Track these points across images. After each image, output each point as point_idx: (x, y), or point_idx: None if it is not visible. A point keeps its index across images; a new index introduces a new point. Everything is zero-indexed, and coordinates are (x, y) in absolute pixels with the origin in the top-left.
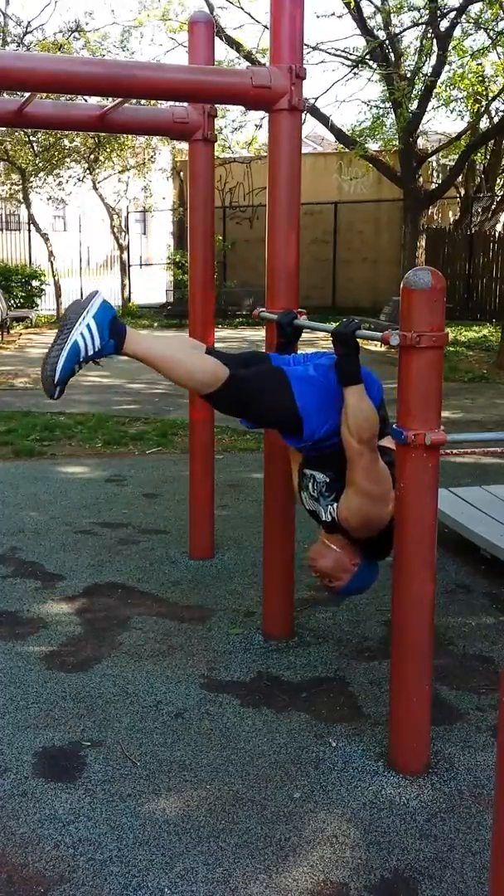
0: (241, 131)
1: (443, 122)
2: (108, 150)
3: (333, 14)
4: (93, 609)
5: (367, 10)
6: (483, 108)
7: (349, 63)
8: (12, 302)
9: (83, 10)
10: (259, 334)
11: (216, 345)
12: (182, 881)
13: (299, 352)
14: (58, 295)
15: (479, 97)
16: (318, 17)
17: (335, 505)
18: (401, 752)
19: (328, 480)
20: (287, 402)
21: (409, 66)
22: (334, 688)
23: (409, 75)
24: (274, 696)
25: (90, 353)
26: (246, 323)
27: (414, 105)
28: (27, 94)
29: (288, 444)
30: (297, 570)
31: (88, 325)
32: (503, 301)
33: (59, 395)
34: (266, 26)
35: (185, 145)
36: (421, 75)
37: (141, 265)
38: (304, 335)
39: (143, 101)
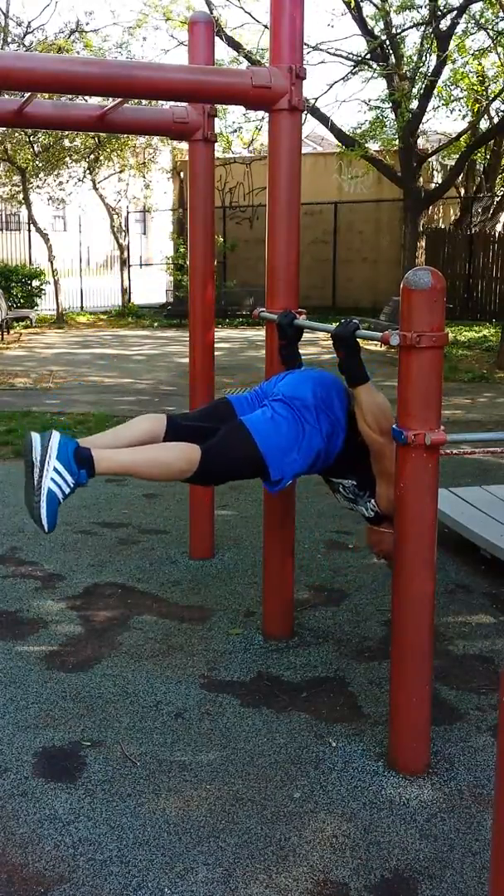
0: (241, 132)
1: (443, 123)
2: (108, 150)
3: (332, 21)
4: (93, 609)
5: (368, 9)
6: (483, 108)
7: (349, 63)
8: (12, 302)
9: (83, 11)
10: (259, 334)
11: (216, 344)
12: (182, 881)
13: (263, 383)
14: (57, 295)
15: (479, 97)
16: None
17: (373, 501)
18: (401, 752)
19: (355, 483)
20: (253, 453)
21: (410, 65)
22: (334, 688)
23: (409, 75)
24: (274, 696)
25: (67, 491)
26: (246, 323)
27: (414, 105)
28: (27, 94)
29: (268, 491)
30: (296, 570)
31: (56, 469)
32: (503, 301)
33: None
34: (266, 26)
35: (185, 145)
36: (421, 75)
37: (141, 265)
38: (304, 334)
39: (143, 101)
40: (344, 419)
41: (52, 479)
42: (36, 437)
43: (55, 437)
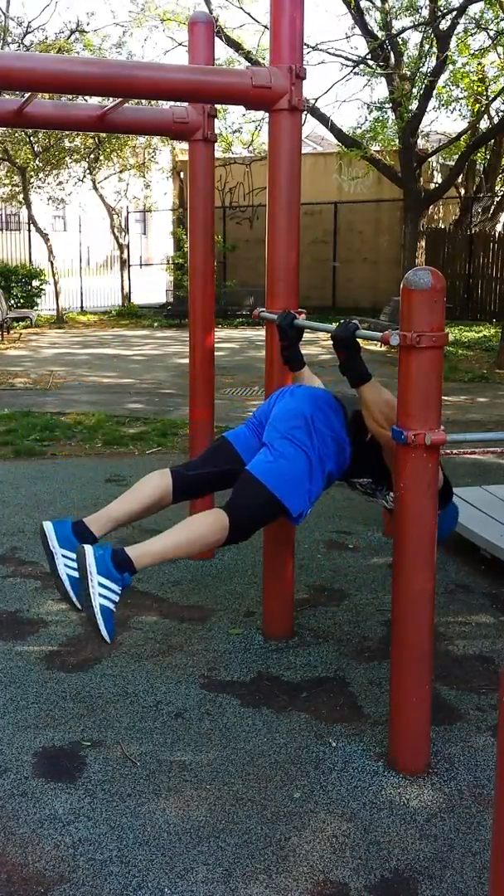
0: (241, 133)
1: (443, 123)
2: (108, 150)
3: (334, 22)
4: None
5: (368, 9)
6: (483, 108)
7: (350, 63)
8: (12, 302)
9: (83, 11)
10: (259, 334)
11: (217, 344)
12: (182, 881)
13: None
14: (57, 295)
15: (479, 97)
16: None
17: (391, 493)
18: (401, 752)
19: (371, 480)
20: (269, 499)
21: (410, 65)
22: (334, 688)
23: (409, 75)
24: (274, 696)
25: (117, 599)
26: (246, 323)
27: (414, 105)
28: (27, 94)
29: (293, 525)
30: (297, 570)
31: (101, 584)
32: (503, 301)
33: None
34: (266, 26)
35: (185, 145)
36: (421, 75)
37: (141, 265)
38: (304, 335)
39: (143, 102)
40: (344, 431)
41: (100, 594)
42: (67, 548)
43: (88, 552)
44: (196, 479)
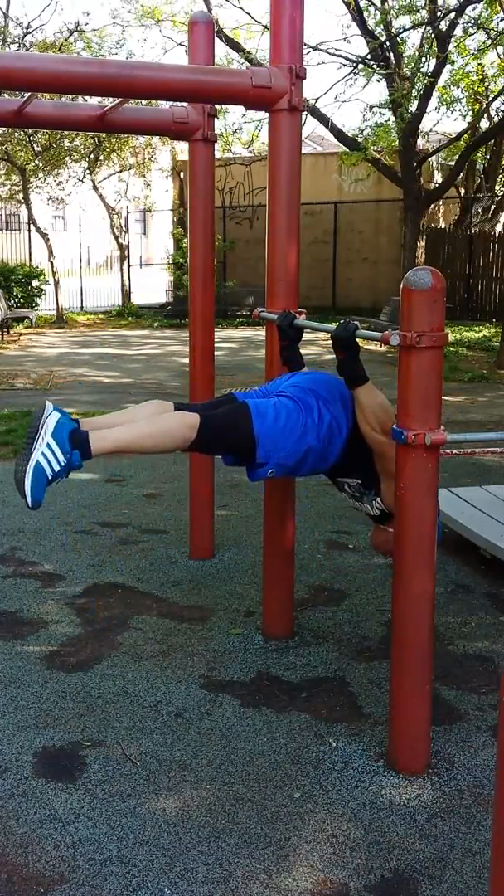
0: (240, 133)
1: (443, 123)
2: (108, 149)
3: (335, 22)
4: (93, 609)
5: (368, 10)
6: (483, 108)
7: (350, 63)
8: (12, 302)
9: (82, 11)
10: (259, 334)
11: (217, 344)
12: (182, 881)
13: (278, 378)
14: (57, 295)
15: (479, 97)
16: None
17: (378, 499)
18: (401, 752)
19: (360, 482)
20: (247, 430)
21: (410, 64)
22: (334, 688)
23: (409, 75)
24: (274, 696)
25: (56, 469)
26: (246, 323)
27: (414, 106)
28: (27, 94)
29: (249, 478)
30: (297, 570)
31: (49, 444)
32: (503, 301)
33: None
34: (266, 26)
35: (185, 145)
36: (421, 75)
37: (141, 265)
38: (304, 334)
39: (143, 102)
40: (347, 420)
41: (42, 453)
42: (49, 406)
43: (55, 414)
44: (194, 409)
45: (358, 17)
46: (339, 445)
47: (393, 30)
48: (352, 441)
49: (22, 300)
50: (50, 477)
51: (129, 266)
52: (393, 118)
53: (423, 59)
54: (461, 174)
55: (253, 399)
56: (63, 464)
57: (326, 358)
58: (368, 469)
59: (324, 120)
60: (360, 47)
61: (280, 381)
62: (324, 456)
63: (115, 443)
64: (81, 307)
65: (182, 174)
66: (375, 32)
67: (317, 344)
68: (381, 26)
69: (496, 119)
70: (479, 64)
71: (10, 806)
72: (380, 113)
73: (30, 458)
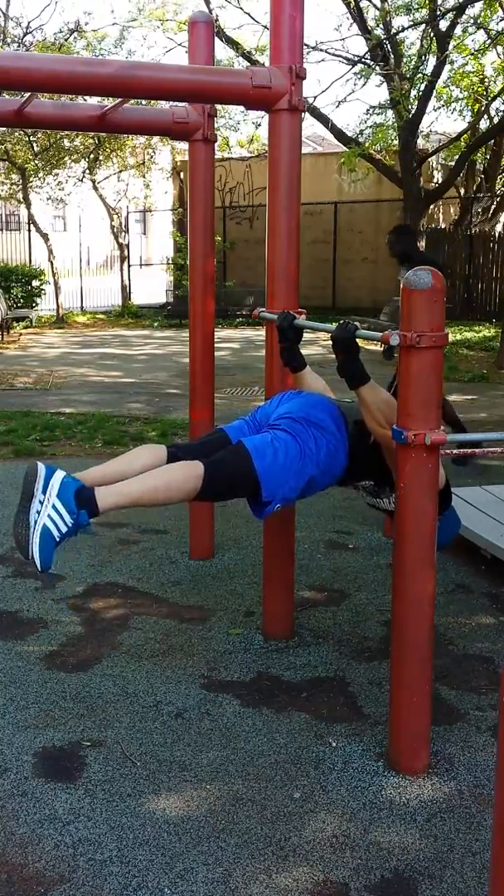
0: (241, 132)
1: (443, 123)
2: (108, 150)
3: (335, 24)
4: (93, 609)
5: (368, 10)
6: (483, 108)
7: (349, 63)
8: (12, 302)
9: (83, 11)
10: (259, 334)
11: (217, 344)
12: (182, 881)
13: (262, 404)
14: (57, 295)
15: (479, 97)
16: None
17: (394, 495)
18: (401, 752)
19: (373, 483)
20: (249, 471)
21: (409, 62)
22: (334, 688)
23: (409, 75)
24: (274, 696)
25: (64, 531)
26: (246, 323)
27: (414, 105)
28: (27, 94)
29: (255, 515)
30: (297, 570)
31: (54, 506)
32: (503, 301)
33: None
34: (266, 26)
35: (185, 145)
36: (421, 75)
37: (141, 265)
38: (304, 334)
39: (143, 102)
40: (344, 443)
41: (48, 515)
42: (41, 468)
43: (58, 474)
44: (188, 451)
45: (358, 16)
46: (340, 466)
47: (393, 29)
48: (353, 456)
49: (22, 300)
50: (58, 539)
51: (129, 266)
52: (393, 118)
53: (423, 58)
54: (461, 174)
55: (247, 436)
56: (71, 525)
57: (329, 358)
58: (379, 469)
59: (324, 120)
60: (360, 47)
61: (269, 409)
62: (327, 479)
63: (122, 498)
64: (81, 307)
65: (182, 174)
66: (375, 32)
67: (317, 344)
68: (377, 22)
69: (496, 119)
70: (480, 63)
71: (10, 806)
72: (378, 113)
73: (29, 520)
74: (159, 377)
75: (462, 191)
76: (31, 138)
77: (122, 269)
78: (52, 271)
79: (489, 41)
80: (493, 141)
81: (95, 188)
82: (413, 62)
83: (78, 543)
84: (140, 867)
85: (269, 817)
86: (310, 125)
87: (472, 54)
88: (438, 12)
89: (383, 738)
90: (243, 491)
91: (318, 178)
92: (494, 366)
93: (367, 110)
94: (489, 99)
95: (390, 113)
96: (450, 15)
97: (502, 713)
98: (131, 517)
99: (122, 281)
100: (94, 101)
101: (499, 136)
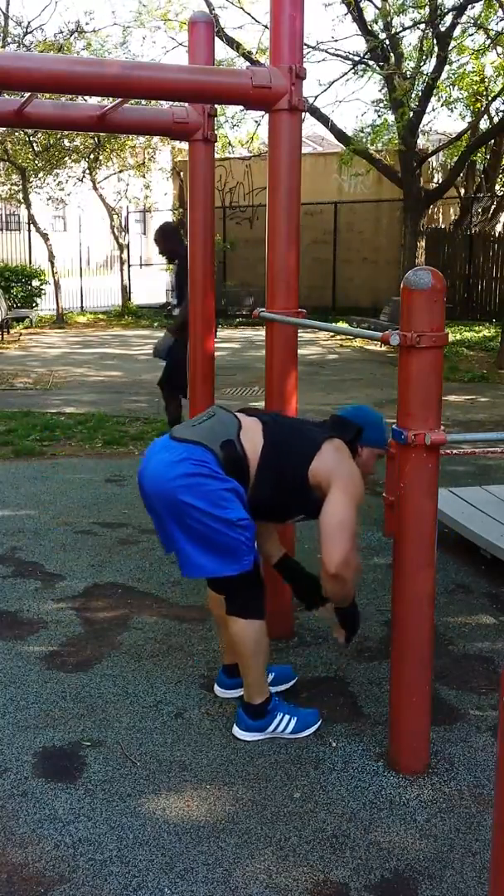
0: (241, 129)
1: (443, 123)
2: (108, 150)
3: (335, 25)
4: (93, 609)
5: (369, 9)
6: (483, 108)
7: (349, 63)
8: (12, 302)
9: (83, 11)
10: (259, 334)
11: (217, 344)
12: (182, 881)
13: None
14: (57, 295)
15: (479, 97)
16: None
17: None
18: (401, 752)
19: (303, 516)
20: (225, 574)
21: (409, 60)
22: (334, 688)
23: (409, 75)
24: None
25: (287, 722)
26: (246, 323)
27: (414, 105)
28: (27, 94)
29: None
30: None
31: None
32: (503, 301)
33: None
34: (266, 26)
35: (185, 145)
36: (421, 75)
37: (141, 265)
38: (304, 334)
39: (143, 102)
40: (221, 485)
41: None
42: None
43: (236, 732)
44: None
45: (358, 16)
46: (240, 492)
47: (393, 29)
48: (261, 504)
49: (22, 300)
50: (291, 729)
51: (129, 266)
52: (392, 118)
53: (424, 58)
54: (461, 174)
55: (179, 563)
56: (279, 720)
57: (329, 358)
58: (304, 503)
59: (324, 120)
60: (360, 47)
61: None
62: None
63: (251, 684)
64: (81, 307)
65: (182, 174)
66: (374, 31)
67: (317, 344)
68: (381, 25)
69: (496, 119)
70: (480, 63)
71: (10, 806)
72: (378, 113)
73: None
74: (159, 377)
75: (462, 191)
76: (32, 138)
77: (122, 269)
78: (52, 271)
79: (489, 41)
80: (493, 141)
81: (95, 188)
82: (413, 61)
83: (78, 543)
84: (140, 867)
85: (269, 817)
86: (310, 125)
87: (472, 54)
88: (439, 12)
89: (383, 738)
90: (252, 583)
91: (318, 178)
92: (494, 366)
93: (373, 103)
94: (489, 99)
95: (389, 112)
96: (450, 15)
97: (502, 713)
98: (131, 517)
99: (122, 281)
100: (94, 101)
101: (499, 136)
